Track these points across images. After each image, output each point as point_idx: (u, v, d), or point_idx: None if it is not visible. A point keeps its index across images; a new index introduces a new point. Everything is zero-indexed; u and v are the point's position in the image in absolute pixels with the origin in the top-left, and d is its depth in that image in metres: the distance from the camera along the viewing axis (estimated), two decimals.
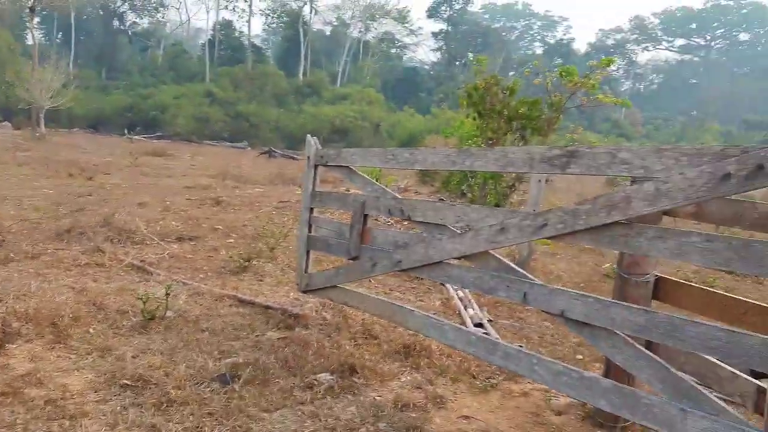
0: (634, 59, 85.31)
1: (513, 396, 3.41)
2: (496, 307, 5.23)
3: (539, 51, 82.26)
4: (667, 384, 2.40)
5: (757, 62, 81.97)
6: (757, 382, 2.61)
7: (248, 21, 60.33)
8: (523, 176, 9.63)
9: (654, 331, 2.38)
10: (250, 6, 59.59)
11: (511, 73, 17.73)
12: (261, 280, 5.65)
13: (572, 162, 2.73)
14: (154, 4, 64.47)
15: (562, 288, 2.82)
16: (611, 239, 2.56)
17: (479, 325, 4.69)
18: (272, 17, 66.06)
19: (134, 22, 65.93)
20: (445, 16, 70.44)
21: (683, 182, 2.28)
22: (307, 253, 4.50)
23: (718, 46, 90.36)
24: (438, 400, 3.30)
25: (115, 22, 62.82)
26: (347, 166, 4.23)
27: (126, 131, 37.68)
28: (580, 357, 4.16)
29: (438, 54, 73.51)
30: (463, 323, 4.70)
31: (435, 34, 71.99)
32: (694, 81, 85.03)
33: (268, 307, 4.65)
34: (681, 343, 2.33)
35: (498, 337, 4.35)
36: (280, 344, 3.86)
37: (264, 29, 73.01)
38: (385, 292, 5.44)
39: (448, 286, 5.57)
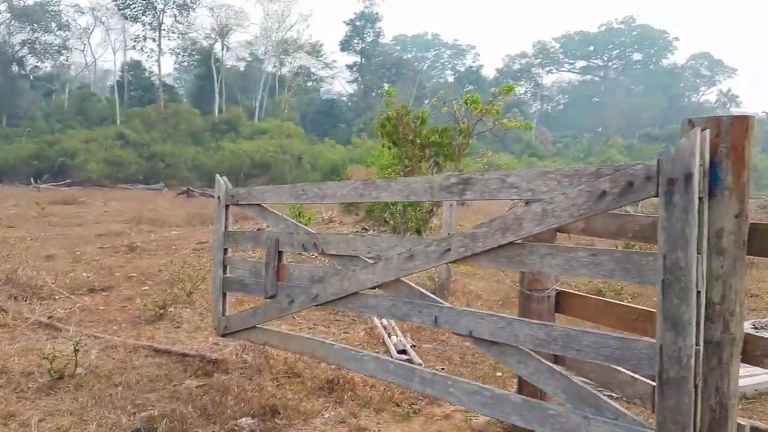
0: (540, 82, 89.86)
1: (435, 420, 3.48)
2: (419, 332, 5.32)
3: (451, 79, 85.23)
4: (570, 394, 2.53)
5: (651, 80, 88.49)
6: (653, 383, 2.79)
7: (158, 60, 59.04)
8: (441, 201, 9.91)
9: (553, 343, 2.52)
10: (159, 45, 58.40)
11: (426, 101, 18.33)
12: (178, 327, 5.48)
13: (467, 189, 2.87)
14: (56, 47, 61.89)
15: (468, 309, 2.92)
16: (508, 259, 2.70)
17: (403, 351, 4.75)
18: (183, 56, 65.00)
19: (35, 66, 63.01)
20: (357, 48, 71.83)
21: (566, 202, 2.45)
22: (223, 295, 4.43)
23: (614, 66, 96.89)
24: None
25: (15, 67, 59.79)
26: (259, 204, 4.24)
27: (32, 180, 35.67)
28: (500, 374, 4.29)
29: (354, 85, 74.73)
30: (388, 352, 4.75)
31: (350, 67, 73.22)
32: (597, 99, 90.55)
33: (185, 355, 4.51)
34: (577, 353, 2.47)
35: (421, 362, 4.42)
36: (198, 392, 3.75)
37: (175, 68, 71.74)
38: (309, 328, 5.41)
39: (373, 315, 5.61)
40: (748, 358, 2.27)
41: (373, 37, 72.73)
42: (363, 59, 71.81)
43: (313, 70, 72.41)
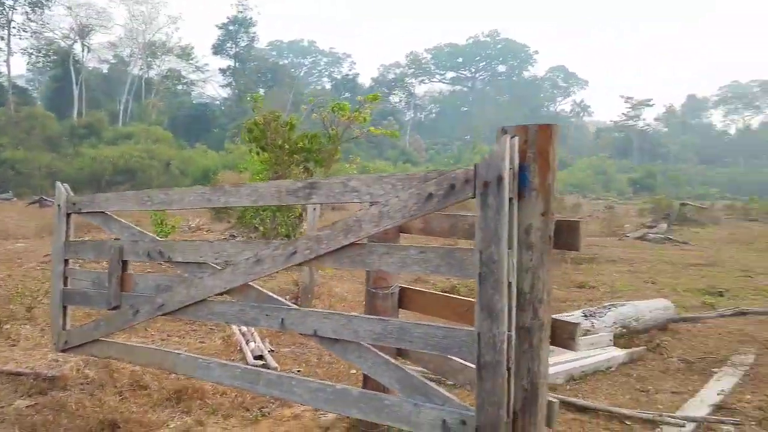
0: (413, 91, 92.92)
1: (284, 421, 3.50)
2: (278, 336, 5.31)
3: (328, 86, 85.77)
4: (403, 383, 2.67)
5: (514, 90, 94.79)
6: None
7: (7, 61, 53.53)
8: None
9: (389, 337, 2.65)
10: (8, 45, 53.00)
11: (303, 107, 18.28)
12: (14, 345, 5.03)
13: (314, 193, 2.93)
14: None
15: (314, 309, 2.99)
16: (350, 259, 2.80)
17: (260, 357, 4.72)
18: (37, 56, 59.45)
19: None
20: (231, 52, 69.99)
21: (399, 203, 2.59)
22: (64, 308, 4.14)
23: (481, 77, 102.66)
24: None
25: None
26: (102, 212, 4.02)
27: None
28: (354, 372, 4.40)
29: (228, 90, 72.67)
30: (245, 359, 4.70)
31: (223, 71, 71.12)
32: (466, 109, 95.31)
33: (18, 374, 4.16)
34: (410, 344, 2.62)
35: (277, 366, 4.42)
36: (28, 412, 3.48)
37: (29, 69, 65.41)
38: (162, 339, 5.20)
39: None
40: (556, 341, 2.53)
41: (248, 42, 71.25)
42: (237, 63, 70.08)
43: (184, 73, 69.51)
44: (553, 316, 2.50)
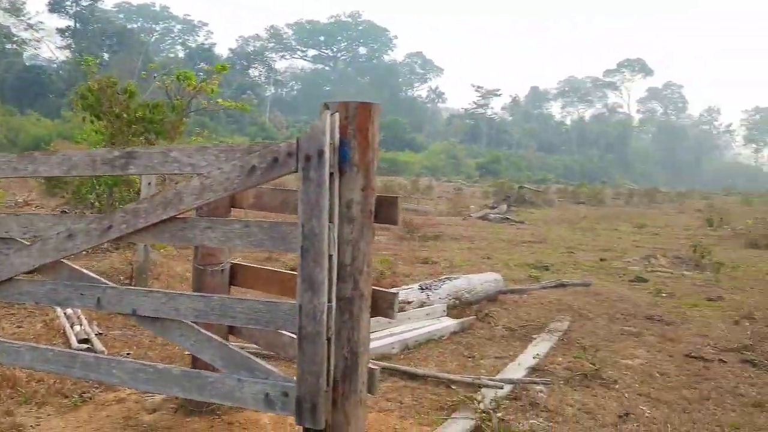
0: (273, 66, 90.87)
1: (106, 405, 3.32)
2: (109, 319, 4.99)
3: (182, 54, 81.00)
4: (226, 360, 2.63)
5: (375, 73, 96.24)
6: None
7: None
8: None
9: (212, 313, 2.60)
10: None
11: (144, 73, 17.10)
12: None
13: (131, 163, 2.76)
14: None
15: (132, 288, 2.86)
16: (171, 234, 2.69)
17: (85, 340, 4.40)
18: None
19: None
20: (71, 11, 63.45)
21: (221, 176, 2.52)
22: None
23: (343, 57, 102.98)
24: (17, 430, 2.98)
25: None
26: None
27: None
28: (188, 353, 4.27)
29: (68, 52, 65.86)
30: (68, 343, 4.36)
31: (61, 31, 64.30)
32: (328, 88, 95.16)
33: None
34: (233, 320, 2.59)
35: (104, 349, 4.16)
36: None
37: None
38: None
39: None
40: (377, 310, 2.64)
41: (90, 1, 64.94)
42: (78, 24, 63.73)
43: (14, 30, 61.80)
44: (395, 289, 2.60)
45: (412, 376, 4.36)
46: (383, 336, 5.07)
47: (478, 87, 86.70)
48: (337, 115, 2.40)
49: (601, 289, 8.15)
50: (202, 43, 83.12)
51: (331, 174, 2.36)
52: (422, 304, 5.93)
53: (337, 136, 2.39)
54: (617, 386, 4.54)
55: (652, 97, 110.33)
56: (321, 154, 2.32)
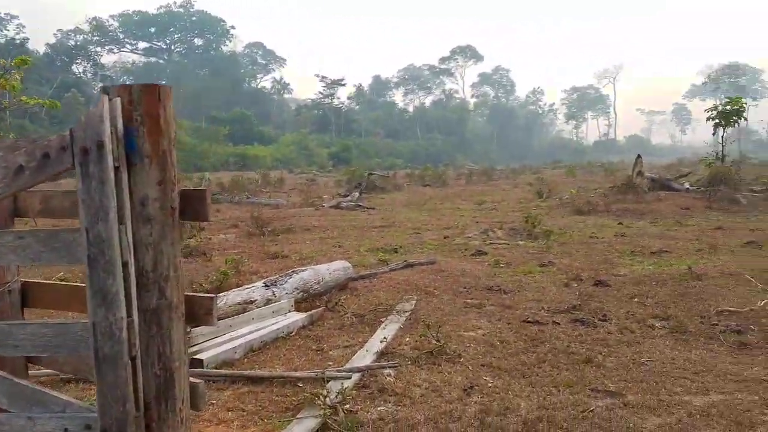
0: (99, 61, 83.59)
1: None
2: None
3: None
4: (13, 396, 2.24)
5: (214, 64, 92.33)
6: None
7: None
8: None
9: None
10: None
11: None
12: None
13: None
14: None
15: None
16: None
17: None
18: None
19: None
20: None
21: None
22: None
23: (178, 49, 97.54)
24: None
25: None
26: None
27: None
28: None
29: None
30: None
31: None
32: (163, 82, 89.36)
33: None
34: (15, 349, 2.19)
35: None
36: None
37: None
38: None
39: None
40: (193, 318, 2.37)
41: None
42: None
43: None
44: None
45: (256, 380, 4.12)
46: (225, 341, 4.76)
47: (323, 77, 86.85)
48: (118, 100, 2.08)
49: (445, 265, 8.43)
50: (13, 38, 73.91)
51: (117, 168, 2.04)
52: (268, 302, 5.67)
53: (120, 123, 2.07)
54: (462, 360, 4.66)
55: (483, 82, 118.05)
56: (101, 145, 1.99)
